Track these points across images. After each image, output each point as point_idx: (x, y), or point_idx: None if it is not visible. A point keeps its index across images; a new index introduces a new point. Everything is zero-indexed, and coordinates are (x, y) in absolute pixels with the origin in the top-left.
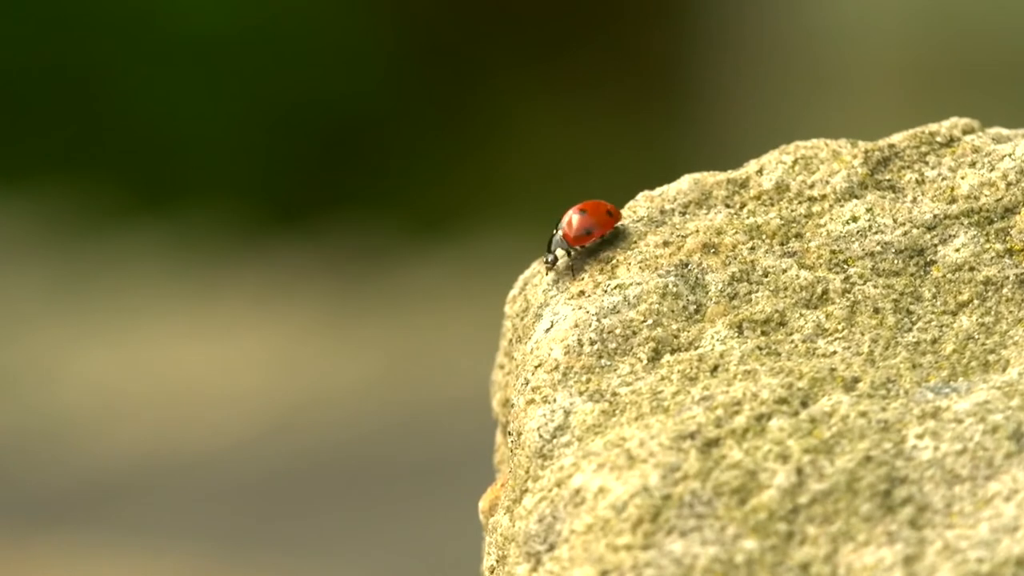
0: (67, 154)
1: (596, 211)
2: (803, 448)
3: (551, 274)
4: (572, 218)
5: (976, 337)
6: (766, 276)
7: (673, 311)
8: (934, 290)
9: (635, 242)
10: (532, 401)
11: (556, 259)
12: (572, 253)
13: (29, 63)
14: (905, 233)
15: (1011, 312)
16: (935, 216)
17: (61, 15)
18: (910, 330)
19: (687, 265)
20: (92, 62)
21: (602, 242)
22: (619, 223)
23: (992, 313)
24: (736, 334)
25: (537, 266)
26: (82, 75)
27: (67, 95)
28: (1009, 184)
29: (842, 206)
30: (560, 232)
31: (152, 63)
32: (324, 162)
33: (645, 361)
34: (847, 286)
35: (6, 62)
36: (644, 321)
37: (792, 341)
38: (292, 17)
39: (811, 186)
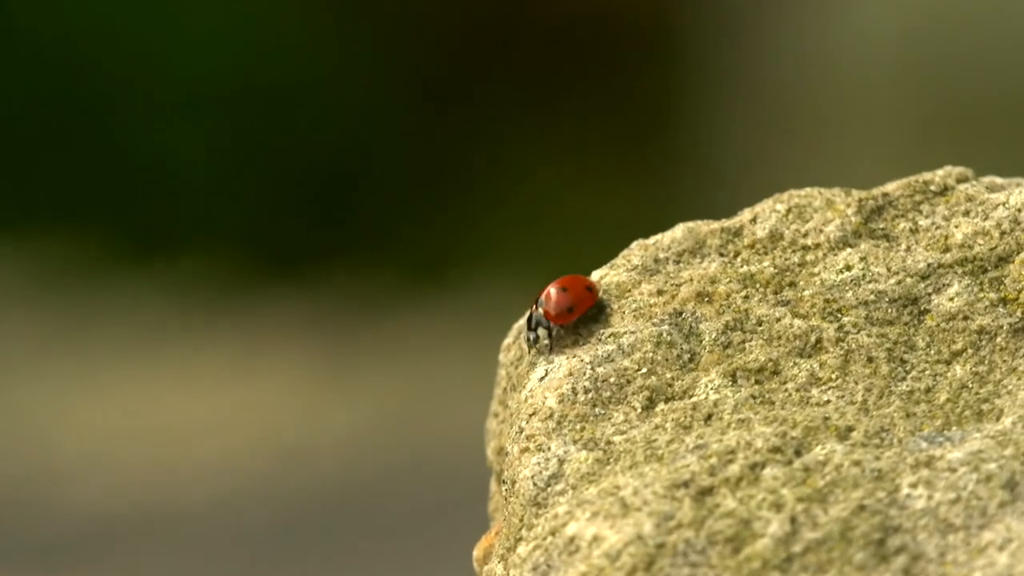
0: (61, 202)
1: (575, 287)
2: (797, 497)
3: (532, 351)
4: (552, 293)
5: (970, 386)
6: (760, 325)
7: (667, 360)
8: (928, 339)
9: (629, 290)
10: (526, 449)
11: (538, 337)
12: (554, 331)
13: (24, 110)
14: (899, 282)
15: (1005, 361)
16: (929, 265)
17: (59, 63)
18: (904, 379)
19: (681, 314)
20: (88, 110)
21: (582, 317)
22: (599, 298)
23: (986, 362)
24: (730, 383)
25: (520, 343)
26: (77, 123)
27: (61, 143)
28: (1003, 233)
29: (836, 255)
30: (541, 310)
31: (147, 112)
32: (317, 212)
33: (639, 409)
34: (841, 335)
35: (1, 109)
36: (638, 370)
37: (786, 390)
38: (287, 67)
39: (805, 235)
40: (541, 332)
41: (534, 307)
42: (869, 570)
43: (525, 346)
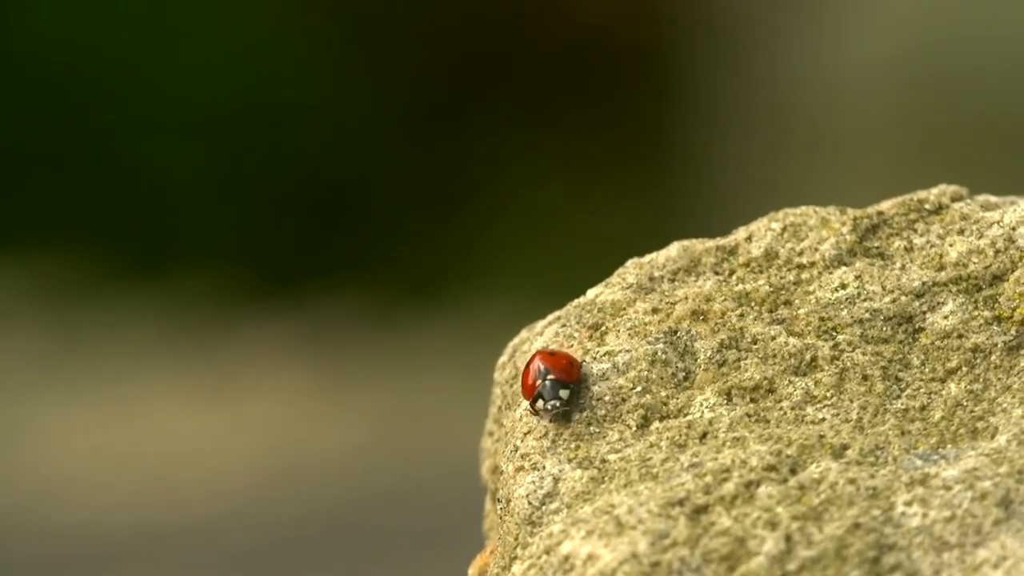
0: (57, 220)
1: (556, 351)
2: (792, 515)
3: (548, 416)
4: (544, 365)
5: (964, 404)
6: (755, 343)
7: (662, 378)
8: (923, 357)
9: (624, 309)
10: (521, 468)
11: (563, 400)
12: (573, 387)
13: (21, 128)
14: (894, 300)
15: (999, 379)
16: (924, 283)
17: (57, 81)
18: (899, 397)
19: (676, 332)
20: (85, 129)
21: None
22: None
23: (980, 380)
24: (725, 401)
25: (535, 420)
26: (74, 141)
27: (57, 160)
28: (997, 251)
29: (831, 273)
30: (551, 377)
31: (143, 130)
32: (313, 229)
33: (634, 428)
34: (836, 353)
35: None
36: (633, 388)
37: (781, 408)
38: (283, 86)
39: (800, 253)
40: (564, 393)
41: (538, 384)
42: None
43: (544, 417)
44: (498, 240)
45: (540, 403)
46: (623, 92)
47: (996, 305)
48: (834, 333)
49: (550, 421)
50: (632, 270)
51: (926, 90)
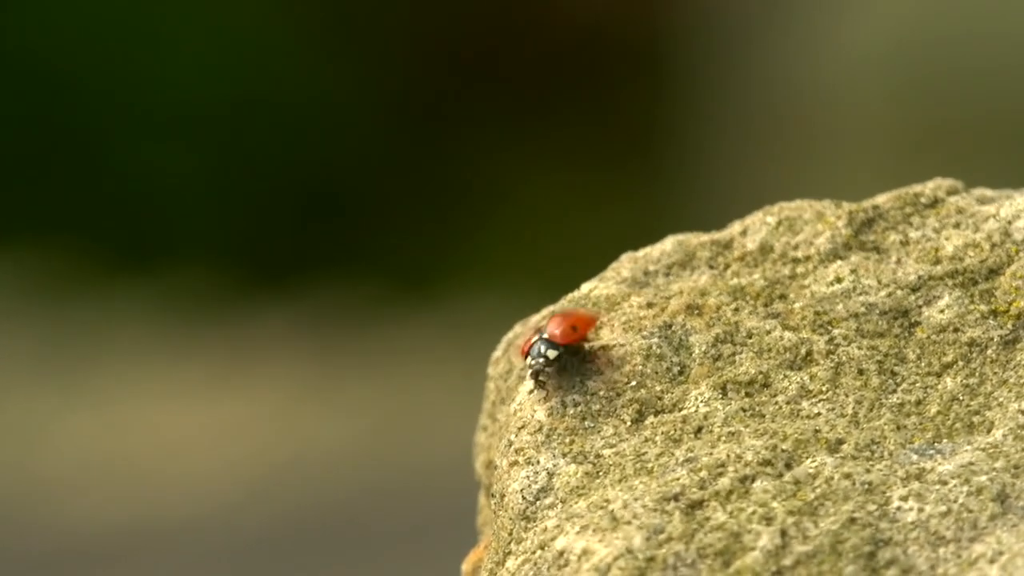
0: (49, 217)
1: (572, 313)
2: (787, 510)
3: (537, 386)
4: (551, 323)
5: (960, 398)
6: (750, 337)
7: (657, 372)
8: (918, 351)
9: (619, 303)
10: (515, 463)
11: (547, 360)
12: (561, 355)
13: (13, 125)
14: (889, 294)
15: (996, 373)
16: (919, 277)
17: (47, 79)
18: (894, 391)
19: (671, 326)
20: (77, 126)
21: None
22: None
23: (977, 374)
24: (720, 395)
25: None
26: (66, 138)
27: (49, 158)
28: (993, 245)
29: (826, 267)
30: (544, 335)
31: (134, 127)
32: (306, 223)
33: (629, 423)
34: (831, 347)
35: None
36: (628, 383)
37: (776, 403)
38: (274, 81)
39: (795, 247)
40: (551, 354)
41: (532, 340)
42: None
43: (532, 386)
44: (493, 235)
45: (528, 359)
46: (618, 87)
47: (992, 299)
48: (829, 327)
49: (533, 380)
50: (627, 264)
51: (922, 85)
